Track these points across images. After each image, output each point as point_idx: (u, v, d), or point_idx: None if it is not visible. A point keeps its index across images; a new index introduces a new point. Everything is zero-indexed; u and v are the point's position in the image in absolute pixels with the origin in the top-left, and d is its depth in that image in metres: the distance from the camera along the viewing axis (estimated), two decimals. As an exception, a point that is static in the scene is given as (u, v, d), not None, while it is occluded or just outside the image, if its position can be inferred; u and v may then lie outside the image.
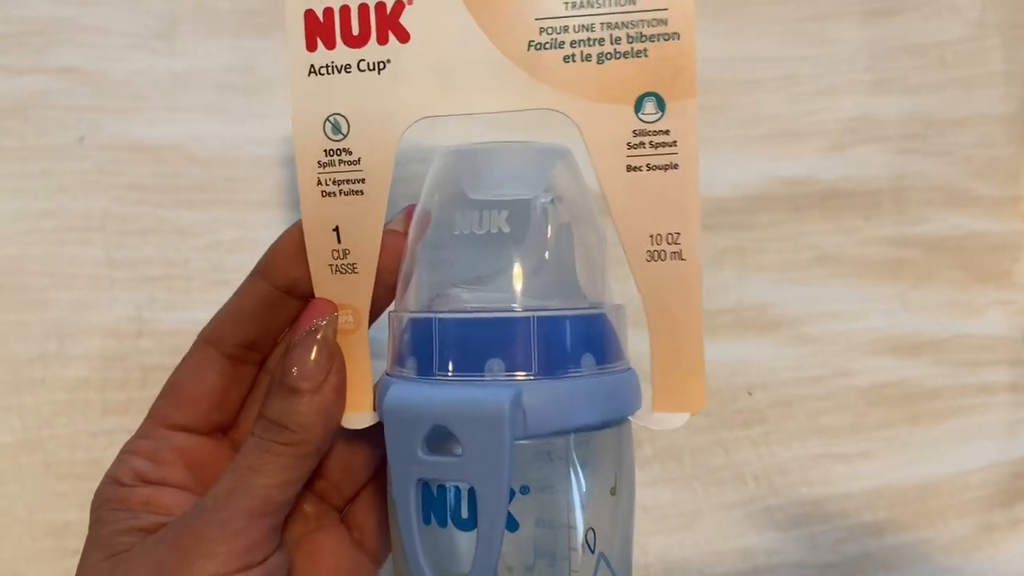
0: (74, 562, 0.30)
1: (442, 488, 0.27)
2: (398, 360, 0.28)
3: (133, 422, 0.36)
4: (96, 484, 0.34)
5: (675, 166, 0.28)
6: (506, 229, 0.28)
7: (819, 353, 0.45)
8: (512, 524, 0.27)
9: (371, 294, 0.29)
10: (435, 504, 0.27)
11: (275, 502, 0.28)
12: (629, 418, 0.28)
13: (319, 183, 0.29)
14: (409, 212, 0.30)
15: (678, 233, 0.28)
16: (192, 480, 0.31)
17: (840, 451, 0.43)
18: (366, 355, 0.29)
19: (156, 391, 0.37)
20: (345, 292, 0.29)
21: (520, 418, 0.25)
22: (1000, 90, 0.52)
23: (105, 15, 0.46)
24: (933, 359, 0.46)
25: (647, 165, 0.28)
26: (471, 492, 0.25)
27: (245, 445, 0.28)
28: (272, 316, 0.31)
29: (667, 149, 0.28)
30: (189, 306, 0.41)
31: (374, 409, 0.29)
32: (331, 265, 0.30)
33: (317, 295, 0.30)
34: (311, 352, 0.28)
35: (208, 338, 0.31)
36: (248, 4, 0.47)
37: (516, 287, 0.28)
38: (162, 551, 0.27)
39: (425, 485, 0.26)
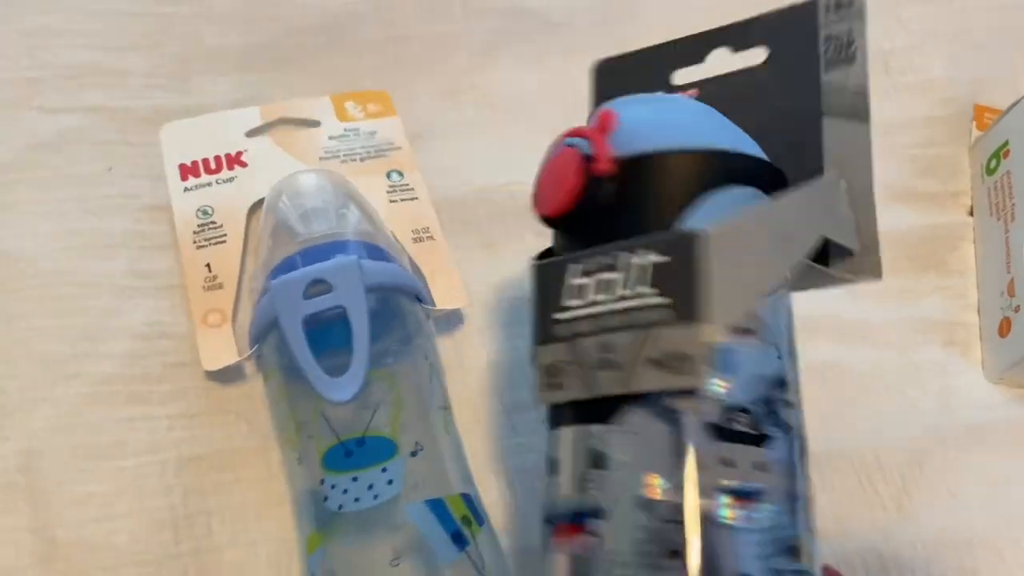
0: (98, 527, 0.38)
1: (314, 329, 0.37)
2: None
3: (152, 411, 0.43)
4: (118, 464, 0.41)
5: (416, 198, 0.49)
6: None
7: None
8: (374, 335, 0.37)
9: (234, 300, 0.44)
10: (313, 340, 0.37)
11: None
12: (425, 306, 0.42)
13: (194, 242, 0.46)
14: None
15: (427, 228, 0.48)
16: None
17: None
18: (232, 338, 0.43)
19: (174, 385, 0.43)
20: (215, 301, 0.44)
21: (363, 269, 0.38)
22: (940, 94, 0.56)
23: (128, 60, 0.53)
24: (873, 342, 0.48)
25: (400, 199, 0.49)
26: (339, 324, 0.37)
27: None
28: None
29: (410, 192, 0.49)
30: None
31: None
32: (203, 286, 0.44)
33: (192, 306, 0.44)
34: None
35: None
36: (250, 40, 0.54)
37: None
38: None
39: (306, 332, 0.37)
